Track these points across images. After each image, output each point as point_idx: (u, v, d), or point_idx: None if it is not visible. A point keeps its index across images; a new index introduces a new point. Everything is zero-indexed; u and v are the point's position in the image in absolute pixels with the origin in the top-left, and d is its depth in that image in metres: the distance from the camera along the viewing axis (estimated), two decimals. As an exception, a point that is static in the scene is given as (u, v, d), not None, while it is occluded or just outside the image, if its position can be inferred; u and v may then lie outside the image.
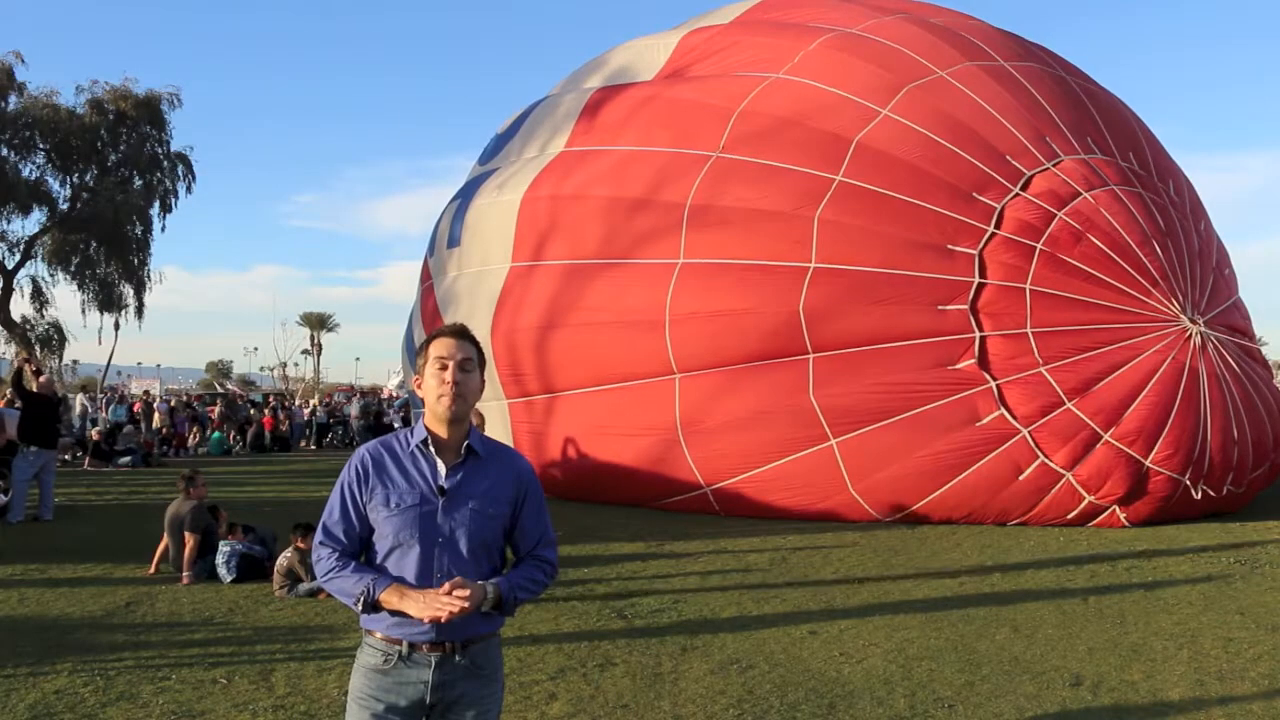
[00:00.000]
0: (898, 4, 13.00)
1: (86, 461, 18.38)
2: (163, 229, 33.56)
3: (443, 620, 2.42)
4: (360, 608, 2.52)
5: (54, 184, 29.97)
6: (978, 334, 10.02)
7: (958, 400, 9.97)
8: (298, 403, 32.86)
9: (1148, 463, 9.81)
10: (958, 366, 10.04)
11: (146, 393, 34.35)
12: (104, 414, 24.70)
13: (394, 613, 2.51)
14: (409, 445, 2.64)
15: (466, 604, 2.42)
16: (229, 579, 7.71)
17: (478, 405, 3.16)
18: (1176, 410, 9.76)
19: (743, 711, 4.78)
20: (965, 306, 10.06)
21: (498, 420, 12.31)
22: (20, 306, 30.79)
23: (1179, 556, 8.68)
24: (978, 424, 9.92)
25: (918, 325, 10.14)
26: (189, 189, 31.81)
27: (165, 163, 31.06)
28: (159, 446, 21.24)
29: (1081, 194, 10.26)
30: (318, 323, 72.16)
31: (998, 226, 10.19)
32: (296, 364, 68.24)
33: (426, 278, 14.82)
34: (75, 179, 30.07)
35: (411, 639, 2.53)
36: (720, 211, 10.95)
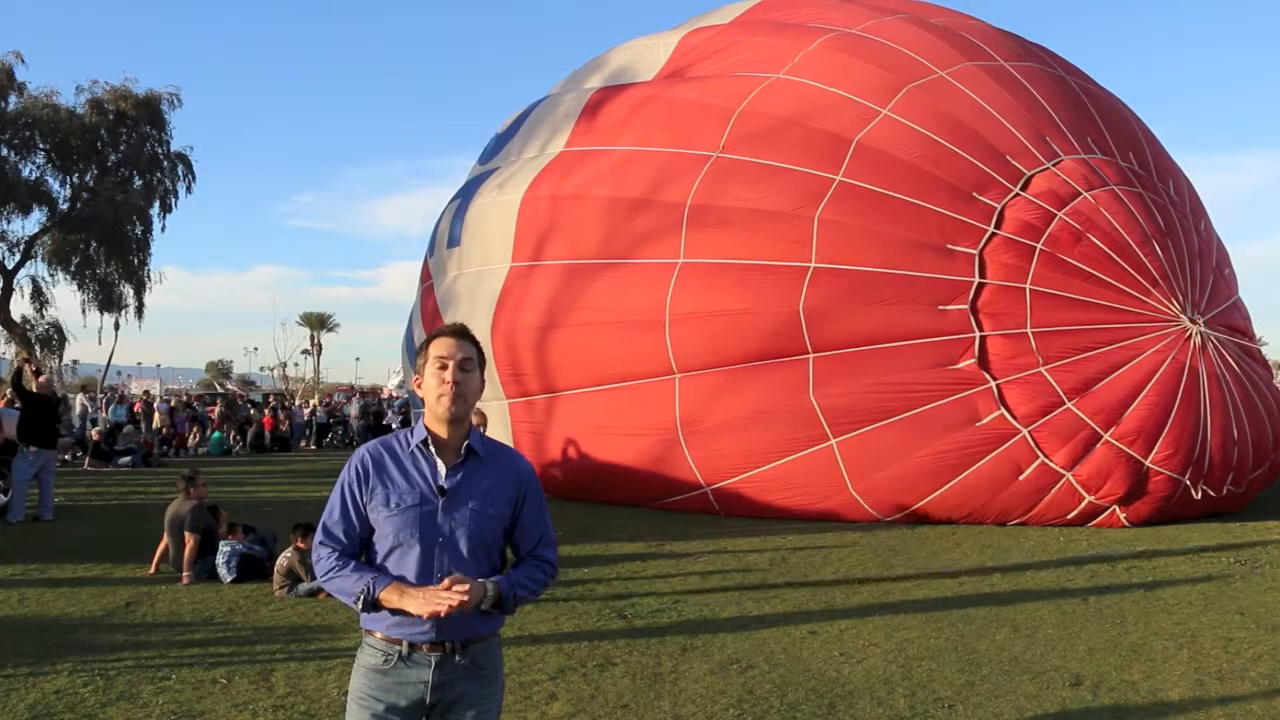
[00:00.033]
0: (898, 4, 13.00)
1: (86, 461, 18.37)
2: (163, 229, 33.63)
3: (442, 615, 2.41)
4: (360, 607, 2.52)
5: (54, 184, 30.01)
6: (978, 334, 10.02)
7: (958, 400, 9.97)
8: (298, 403, 32.85)
9: (1148, 463, 9.81)
10: (958, 366, 10.04)
11: (146, 393, 34.31)
12: (104, 414, 24.68)
13: (394, 612, 2.50)
14: (409, 445, 2.64)
15: (466, 599, 2.41)
16: (229, 579, 7.71)
17: (479, 405, 3.15)
18: (1176, 410, 9.77)
19: (743, 711, 4.78)
20: (965, 306, 10.06)
21: (498, 420, 12.31)
22: (20, 306, 30.84)
23: (1179, 556, 8.68)
24: (978, 424, 9.92)
25: (918, 325, 10.14)
26: (189, 189, 31.84)
27: (165, 163, 31.04)
28: (159, 446, 21.24)
29: (1081, 194, 10.27)
30: (318, 323, 72.16)
31: (998, 226, 10.19)
32: (296, 364, 68.28)
33: (426, 277, 14.83)
34: (75, 179, 30.05)
35: (411, 639, 2.53)
36: (720, 211, 10.95)
